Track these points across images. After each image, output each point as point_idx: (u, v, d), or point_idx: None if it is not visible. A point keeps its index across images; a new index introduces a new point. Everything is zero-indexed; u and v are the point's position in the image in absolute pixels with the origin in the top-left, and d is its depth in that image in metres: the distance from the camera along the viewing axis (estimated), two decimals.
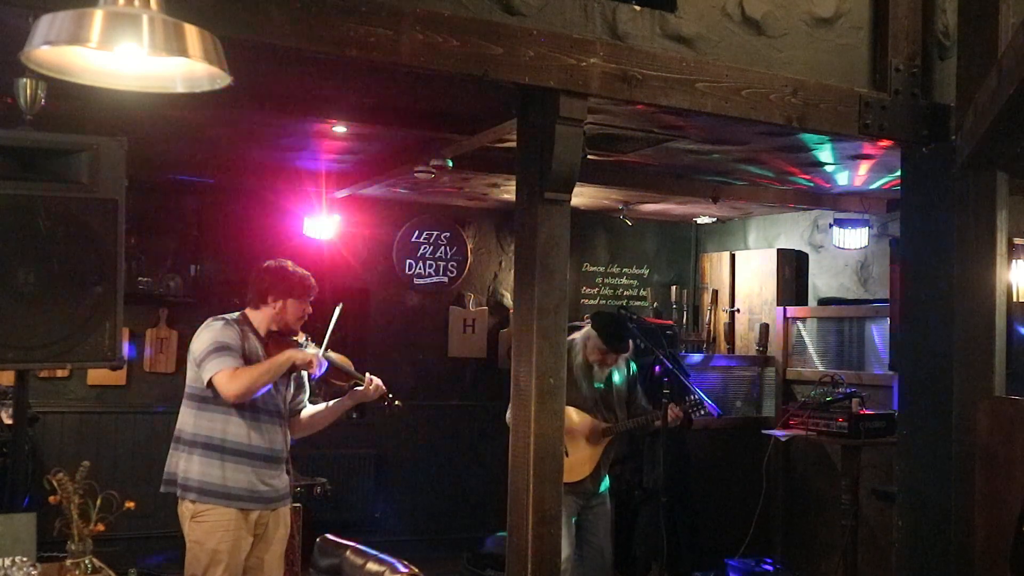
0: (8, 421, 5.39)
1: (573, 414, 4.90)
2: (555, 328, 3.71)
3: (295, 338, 3.98)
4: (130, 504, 2.93)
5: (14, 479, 3.60)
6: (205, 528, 3.71)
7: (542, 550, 3.69)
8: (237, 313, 3.94)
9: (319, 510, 6.16)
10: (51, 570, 2.93)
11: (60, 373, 6.59)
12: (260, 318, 3.92)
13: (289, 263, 4.00)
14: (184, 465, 3.75)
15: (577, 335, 5.05)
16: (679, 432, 5.59)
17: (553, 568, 3.73)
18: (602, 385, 5.07)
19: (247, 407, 3.76)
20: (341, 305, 4.07)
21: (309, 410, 4.10)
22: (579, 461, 4.95)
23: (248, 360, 3.77)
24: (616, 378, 5.11)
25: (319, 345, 3.95)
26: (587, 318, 5.39)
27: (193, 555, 3.73)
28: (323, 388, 4.17)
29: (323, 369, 3.86)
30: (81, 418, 6.76)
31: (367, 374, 4.02)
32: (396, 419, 7.39)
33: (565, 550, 4.88)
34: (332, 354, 3.99)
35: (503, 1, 3.54)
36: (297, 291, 3.92)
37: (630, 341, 5.07)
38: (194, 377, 3.79)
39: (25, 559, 2.75)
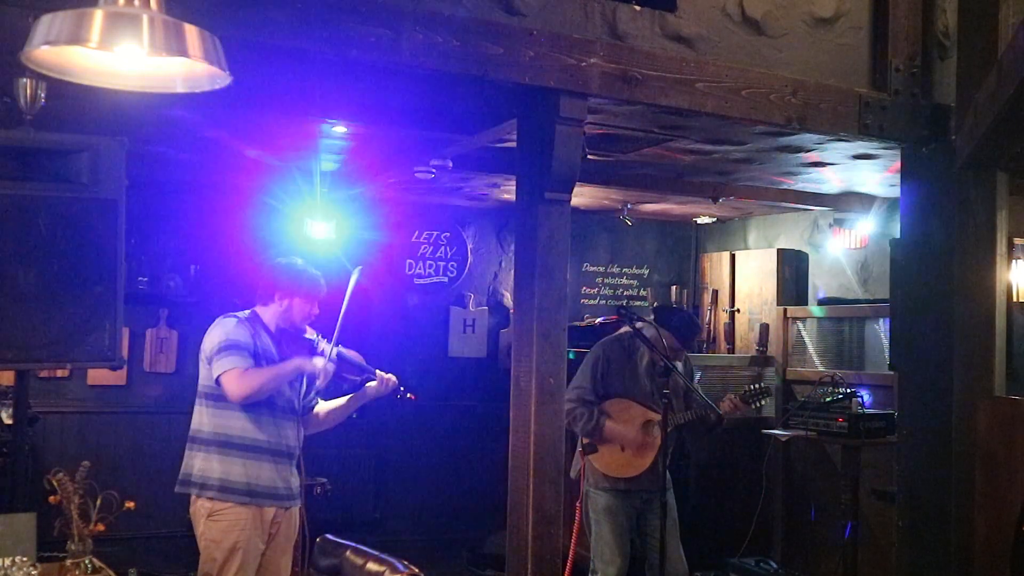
0: (8, 421, 5.39)
1: (628, 405, 4.91)
2: (555, 328, 3.71)
3: (306, 335, 3.98)
4: (130, 504, 2.93)
5: (14, 479, 3.61)
6: (222, 527, 3.70)
7: (542, 550, 3.69)
8: (249, 311, 3.94)
9: (319, 510, 6.16)
10: (51, 570, 2.93)
11: (60, 373, 6.59)
12: (269, 315, 3.92)
13: (299, 261, 3.99)
14: (202, 464, 3.74)
15: (633, 331, 4.95)
16: (681, 430, 5.57)
17: (553, 568, 3.73)
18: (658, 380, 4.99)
19: (263, 404, 3.76)
20: (357, 270, 4.03)
21: (322, 407, 4.11)
22: (636, 455, 4.89)
23: (260, 358, 3.77)
24: (675, 373, 5.04)
25: (330, 340, 3.95)
26: (614, 316, 5.32)
27: (208, 554, 3.72)
28: (334, 384, 4.17)
29: (330, 377, 3.86)
30: (81, 418, 6.76)
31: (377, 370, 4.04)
32: (396, 419, 7.43)
33: (616, 561, 4.84)
34: (344, 349, 3.99)
35: (503, 1, 3.54)
36: (304, 290, 3.91)
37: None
38: (206, 376, 3.78)
39: (25, 559, 2.75)
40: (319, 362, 3.82)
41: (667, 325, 4.92)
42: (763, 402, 5.23)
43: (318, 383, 3.89)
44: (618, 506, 4.89)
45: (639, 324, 4.84)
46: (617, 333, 5.19)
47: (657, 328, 4.88)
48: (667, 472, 4.61)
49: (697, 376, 5.63)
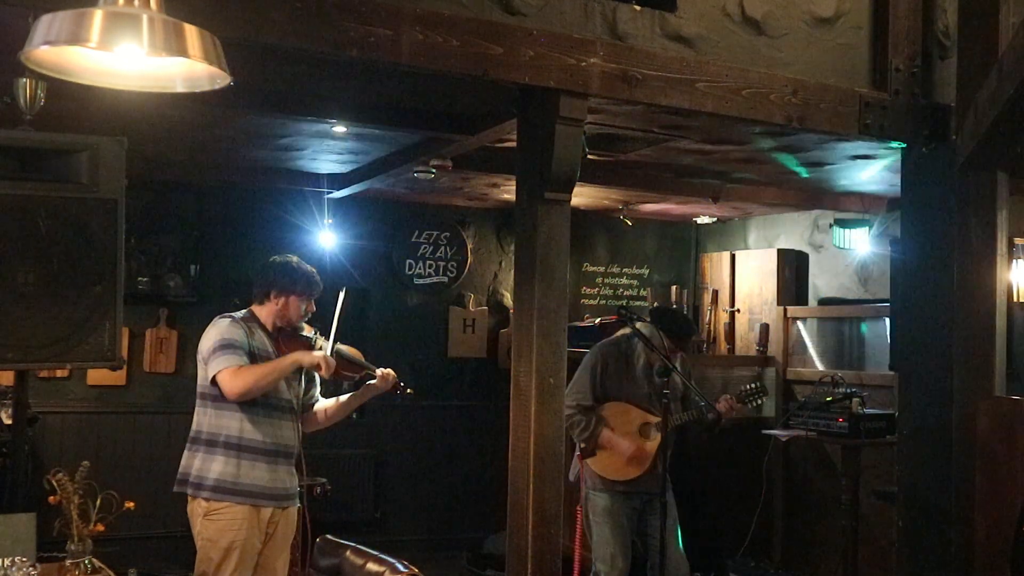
0: (8, 421, 5.39)
1: (624, 408, 4.92)
2: (555, 328, 3.71)
3: (304, 332, 3.98)
4: (130, 504, 2.94)
5: (14, 479, 3.61)
6: (219, 525, 3.70)
7: (542, 550, 3.69)
8: (245, 310, 3.94)
9: (319, 510, 6.16)
10: (51, 570, 2.93)
11: (60, 373, 6.58)
12: (266, 314, 3.92)
13: (294, 259, 3.99)
14: (199, 464, 3.75)
15: (633, 330, 4.95)
16: (679, 431, 5.56)
17: (553, 568, 3.72)
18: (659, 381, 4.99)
19: (260, 404, 3.76)
20: (345, 290, 4.05)
21: (322, 404, 4.10)
22: (633, 460, 4.89)
23: (255, 357, 3.77)
24: (672, 375, 5.03)
25: (327, 337, 3.95)
26: (617, 315, 5.31)
27: (205, 553, 3.72)
28: (334, 383, 4.16)
29: (332, 368, 3.85)
30: (81, 418, 6.76)
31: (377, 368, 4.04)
32: (396, 419, 7.43)
33: (619, 563, 4.84)
34: (342, 347, 3.98)
35: (503, 1, 3.54)
36: (300, 288, 3.91)
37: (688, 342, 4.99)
38: (204, 376, 3.78)
39: (25, 559, 2.75)
40: (318, 355, 3.82)
41: (661, 325, 4.93)
42: (759, 401, 5.23)
43: (321, 374, 3.88)
44: (618, 507, 4.89)
45: (638, 324, 4.85)
46: (614, 337, 5.20)
47: (654, 328, 4.88)
48: (667, 473, 4.62)
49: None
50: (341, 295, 4.01)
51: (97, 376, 6.67)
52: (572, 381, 4.82)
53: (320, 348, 3.93)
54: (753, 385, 5.16)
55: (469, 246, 7.91)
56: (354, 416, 4.27)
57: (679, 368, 4.99)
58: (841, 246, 6.85)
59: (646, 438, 4.90)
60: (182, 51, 2.04)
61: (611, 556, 4.85)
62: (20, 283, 3.12)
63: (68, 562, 2.91)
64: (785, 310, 7.21)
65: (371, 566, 3.31)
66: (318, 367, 3.82)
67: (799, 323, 7.19)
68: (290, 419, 3.88)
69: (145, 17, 2.00)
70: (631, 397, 4.95)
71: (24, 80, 3.52)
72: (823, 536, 6.65)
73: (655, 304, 7.97)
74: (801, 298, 7.35)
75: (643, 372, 4.97)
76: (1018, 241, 5.55)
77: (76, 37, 1.98)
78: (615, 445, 4.89)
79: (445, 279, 7.83)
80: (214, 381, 3.69)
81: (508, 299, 7.87)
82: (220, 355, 3.69)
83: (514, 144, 4.02)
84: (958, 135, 4.22)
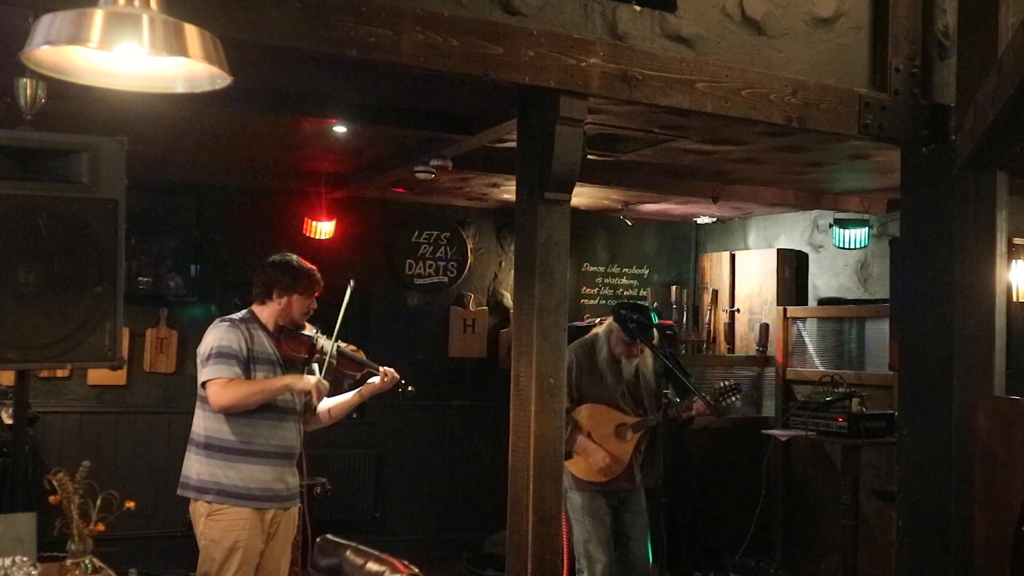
0: (8, 421, 5.39)
1: (600, 410, 4.90)
2: (555, 328, 3.71)
3: (304, 331, 3.98)
4: (130, 504, 2.93)
5: (14, 479, 3.60)
6: (221, 526, 3.71)
7: (542, 550, 3.69)
8: (245, 311, 3.94)
9: (319, 510, 6.16)
10: (51, 570, 2.93)
11: (60, 373, 6.58)
12: (267, 314, 3.92)
13: (294, 257, 4.00)
14: (199, 467, 3.75)
15: (600, 329, 5.05)
16: (679, 431, 5.56)
17: (553, 568, 3.72)
18: (629, 378, 4.98)
19: (261, 406, 3.76)
20: (352, 284, 4.05)
21: (325, 404, 4.10)
22: (607, 467, 4.89)
23: (255, 360, 3.77)
24: (644, 371, 5.03)
25: (330, 335, 3.95)
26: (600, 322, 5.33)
27: (207, 554, 3.72)
28: (336, 381, 4.17)
29: (324, 395, 3.86)
30: (81, 418, 6.76)
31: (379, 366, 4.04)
32: (396, 419, 7.43)
33: (602, 558, 4.86)
34: (344, 345, 3.99)
35: (503, 1, 3.54)
36: (302, 287, 3.92)
37: (654, 332, 4.95)
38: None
39: (25, 559, 2.75)
40: (311, 380, 3.82)
41: (618, 317, 4.93)
42: (734, 398, 5.21)
43: (312, 401, 3.89)
44: (597, 504, 4.91)
45: (579, 323, 4.90)
46: (585, 337, 5.21)
47: (612, 323, 4.90)
48: (642, 471, 4.65)
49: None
50: (348, 289, 4.02)
51: (97, 376, 6.67)
52: None
53: (321, 347, 3.94)
54: (725, 383, 5.18)
55: (469, 246, 7.91)
56: (354, 415, 4.27)
57: (652, 364, 4.98)
58: (841, 246, 6.85)
59: (622, 439, 4.92)
60: (182, 51, 2.04)
61: (595, 553, 4.86)
62: (20, 283, 3.11)
63: (68, 562, 2.91)
64: (785, 310, 7.21)
65: (371, 566, 3.31)
66: (309, 395, 3.83)
67: (799, 323, 7.19)
68: (292, 420, 3.88)
69: (145, 17, 2.00)
70: (604, 397, 4.94)
71: (24, 80, 3.52)
72: (823, 536, 6.65)
73: (654, 302, 7.97)
74: (801, 298, 7.35)
75: (607, 366, 4.95)
76: (1018, 241, 5.55)
77: (76, 37, 1.98)
78: (590, 454, 4.88)
79: (445, 279, 7.83)
80: (204, 388, 3.71)
81: (508, 299, 7.87)
82: (213, 363, 3.70)
83: (514, 144, 4.02)
84: (958, 135, 4.22)
